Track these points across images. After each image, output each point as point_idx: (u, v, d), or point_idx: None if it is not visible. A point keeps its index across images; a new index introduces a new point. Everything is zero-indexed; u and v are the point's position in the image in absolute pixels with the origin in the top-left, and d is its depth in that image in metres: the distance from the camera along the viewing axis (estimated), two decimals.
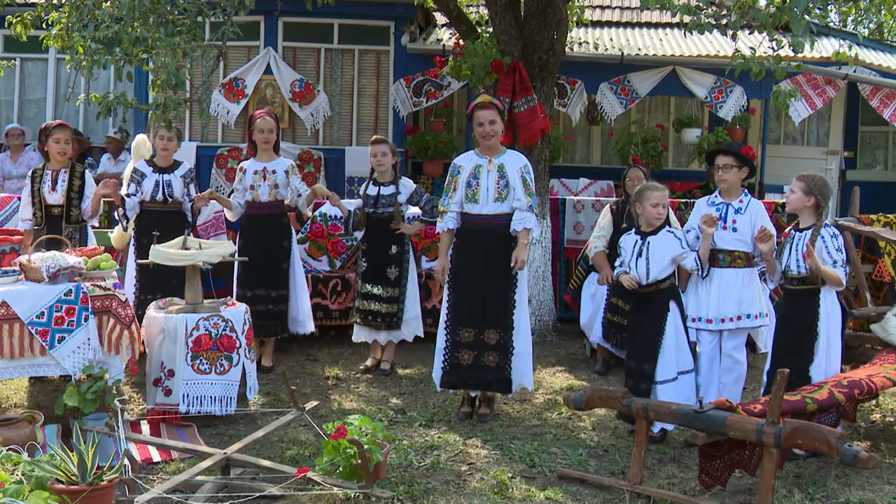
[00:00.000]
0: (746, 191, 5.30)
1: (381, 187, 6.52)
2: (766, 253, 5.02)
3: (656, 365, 5.05)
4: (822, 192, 4.93)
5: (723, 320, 5.17)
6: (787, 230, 5.14)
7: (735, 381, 5.24)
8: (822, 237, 4.87)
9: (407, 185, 6.60)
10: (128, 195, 6.48)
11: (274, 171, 6.54)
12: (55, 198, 6.29)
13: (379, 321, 6.54)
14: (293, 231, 6.78)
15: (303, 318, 6.72)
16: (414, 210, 6.67)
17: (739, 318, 5.17)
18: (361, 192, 6.64)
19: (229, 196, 6.81)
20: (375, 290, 6.52)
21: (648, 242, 5.14)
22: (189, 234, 6.33)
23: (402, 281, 6.56)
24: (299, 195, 6.60)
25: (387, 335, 6.63)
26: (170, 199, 6.48)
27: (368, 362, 6.70)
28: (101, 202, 6.51)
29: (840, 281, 4.85)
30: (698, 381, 5.25)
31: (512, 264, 5.33)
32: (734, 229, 5.15)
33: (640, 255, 5.13)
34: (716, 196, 5.31)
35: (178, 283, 6.32)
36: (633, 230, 5.28)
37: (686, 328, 5.16)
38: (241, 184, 6.58)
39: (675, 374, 5.07)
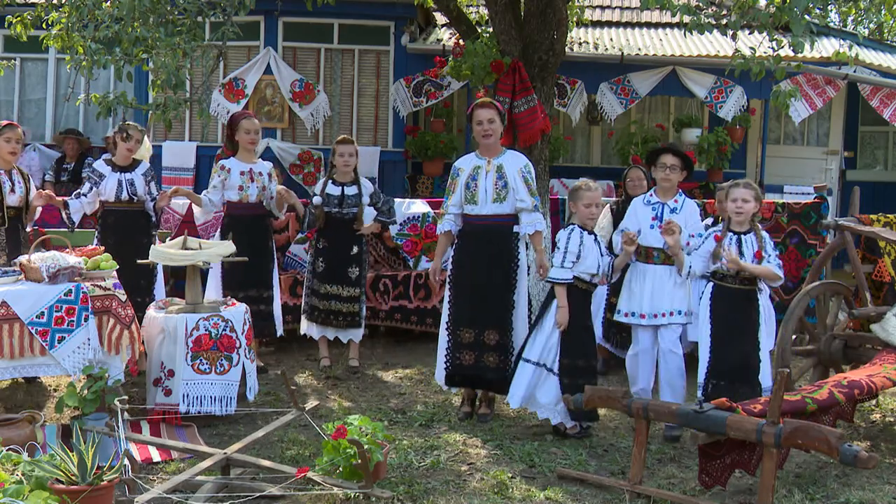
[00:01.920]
0: (681, 191, 5.43)
1: (345, 187, 6.52)
2: (672, 246, 5.14)
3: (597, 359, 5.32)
4: (761, 198, 5.19)
5: (655, 315, 5.28)
6: (717, 233, 5.18)
7: (677, 371, 5.31)
8: (764, 238, 5.09)
9: (367, 185, 6.63)
10: (76, 195, 6.39)
11: (260, 174, 6.49)
12: (14, 199, 6.10)
13: (340, 320, 6.56)
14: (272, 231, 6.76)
15: (279, 318, 6.69)
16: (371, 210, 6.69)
17: (672, 313, 5.27)
18: (319, 191, 6.57)
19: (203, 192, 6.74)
20: (336, 290, 6.53)
21: (596, 238, 5.29)
22: (155, 234, 6.35)
23: (361, 281, 6.60)
24: (271, 198, 6.57)
25: (348, 334, 6.64)
26: (135, 199, 6.38)
27: (326, 362, 6.70)
28: (36, 211, 6.35)
29: (775, 275, 5.03)
30: (636, 376, 5.42)
31: (539, 273, 5.43)
32: None
33: (602, 254, 5.26)
34: (651, 195, 5.45)
35: (147, 284, 6.30)
36: (583, 230, 5.24)
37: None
38: (222, 182, 6.42)
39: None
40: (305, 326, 6.74)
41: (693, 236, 5.27)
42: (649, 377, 5.44)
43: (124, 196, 6.36)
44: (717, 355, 5.09)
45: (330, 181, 6.57)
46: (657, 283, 5.28)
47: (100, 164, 6.47)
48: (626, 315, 5.37)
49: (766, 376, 5.03)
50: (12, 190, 6.11)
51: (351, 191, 6.52)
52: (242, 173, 6.45)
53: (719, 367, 5.06)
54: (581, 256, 5.18)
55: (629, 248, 5.24)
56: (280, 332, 6.72)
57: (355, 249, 6.57)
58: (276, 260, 6.68)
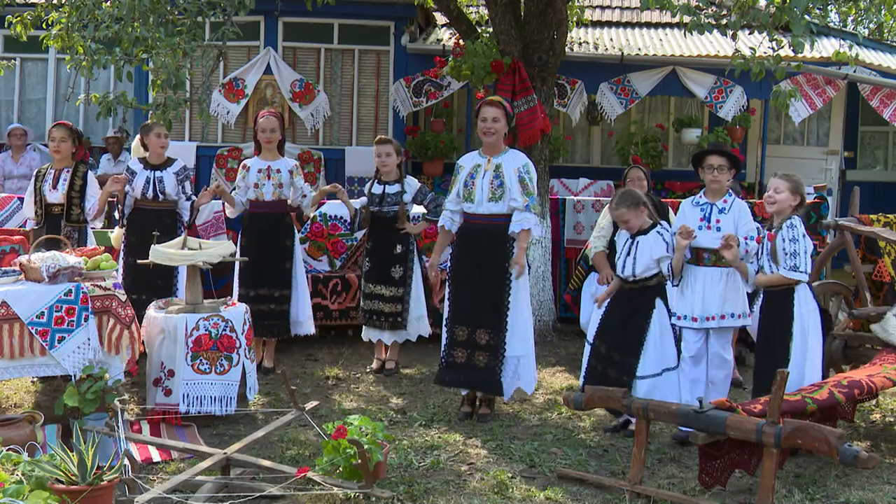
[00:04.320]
0: (731, 191, 5.35)
1: (387, 186, 6.52)
2: (730, 261, 5.03)
3: (639, 359, 5.17)
4: (803, 192, 5.02)
5: (707, 318, 5.20)
6: (770, 233, 5.13)
7: (724, 379, 5.28)
8: (784, 228, 4.91)
9: (412, 184, 6.60)
10: (126, 193, 6.49)
11: (278, 171, 6.52)
12: (55, 196, 6.28)
13: (382, 321, 6.54)
14: (296, 231, 6.77)
15: (304, 318, 6.69)
16: (419, 209, 6.68)
17: (723, 316, 5.19)
18: (367, 191, 6.64)
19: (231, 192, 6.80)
20: (379, 290, 6.52)
21: (637, 242, 5.25)
22: (183, 234, 6.36)
23: (406, 281, 6.56)
24: (304, 196, 6.59)
25: (391, 335, 6.62)
26: (161, 197, 6.43)
27: (374, 364, 6.69)
28: (106, 202, 6.50)
29: (785, 279, 4.84)
30: (688, 379, 5.31)
31: (511, 271, 5.36)
32: (718, 229, 5.19)
33: (628, 253, 5.24)
34: (700, 196, 5.37)
35: (165, 284, 6.31)
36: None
37: (672, 326, 5.29)
38: (244, 181, 6.53)
39: (660, 370, 5.19)
40: (365, 332, 6.71)
41: (746, 239, 5.12)
42: (697, 381, 5.29)
43: (150, 194, 6.41)
44: (757, 360, 5.10)
45: (375, 181, 6.60)
46: (708, 285, 5.18)
47: (133, 162, 6.59)
48: (679, 318, 5.28)
49: (803, 379, 4.82)
50: (54, 187, 6.20)
51: (392, 189, 6.52)
52: (260, 171, 6.50)
53: (759, 372, 5.03)
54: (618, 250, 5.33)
55: (683, 242, 5.10)
56: (303, 331, 6.70)
57: (399, 249, 6.55)
58: (297, 259, 6.65)
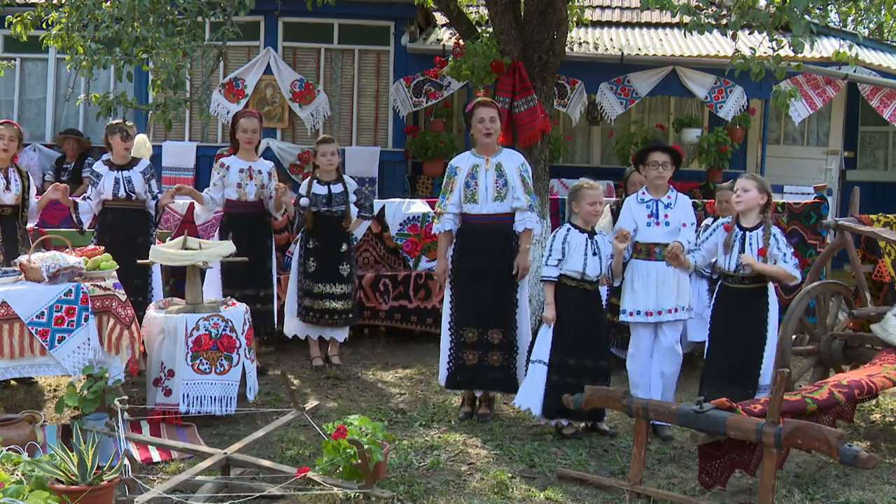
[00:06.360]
0: (672, 186, 5.40)
1: (331, 186, 6.56)
2: (680, 265, 5.13)
3: (609, 360, 5.27)
4: (770, 191, 5.12)
5: (660, 312, 5.24)
6: (726, 223, 5.19)
7: (674, 373, 5.34)
8: (774, 235, 5.01)
9: (351, 183, 6.69)
10: (84, 198, 6.45)
11: (259, 172, 6.50)
12: (9, 197, 6.12)
13: (336, 318, 6.58)
14: (272, 231, 6.76)
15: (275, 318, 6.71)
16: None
17: (677, 309, 5.25)
18: (305, 191, 6.59)
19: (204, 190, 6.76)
20: (330, 289, 6.56)
21: (597, 241, 5.26)
22: (154, 234, 6.36)
23: (352, 277, 6.64)
24: (270, 197, 6.58)
25: (338, 333, 6.69)
26: (132, 196, 6.38)
27: (318, 362, 6.71)
28: (43, 207, 6.40)
29: (790, 275, 4.98)
30: (637, 375, 5.37)
31: (514, 272, 5.39)
32: (667, 223, 5.26)
33: (594, 253, 5.22)
34: (643, 193, 5.40)
35: (142, 284, 6.29)
36: (574, 229, 5.27)
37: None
38: (221, 179, 6.48)
39: None
40: (294, 327, 6.73)
41: (685, 225, 5.23)
42: (650, 376, 5.39)
43: (121, 193, 6.36)
44: (714, 357, 5.11)
45: (315, 181, 6.59)
46: (661, 280, 5.23)
47: (98, 165, 6.51)
48: (630, 314, 5.30)
49: (766, 374, 5.01)
50: (7, 188, 6.12)
51: (337, 189, 6.57)
52: (241, 171, 6.46)
53: (716, 369, 5.06)
54: (566, 255, 5.21)
55: (620, 246, 5.16)
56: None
57: (344, 247, 6.62)
58: (274, 258, 6.68)
